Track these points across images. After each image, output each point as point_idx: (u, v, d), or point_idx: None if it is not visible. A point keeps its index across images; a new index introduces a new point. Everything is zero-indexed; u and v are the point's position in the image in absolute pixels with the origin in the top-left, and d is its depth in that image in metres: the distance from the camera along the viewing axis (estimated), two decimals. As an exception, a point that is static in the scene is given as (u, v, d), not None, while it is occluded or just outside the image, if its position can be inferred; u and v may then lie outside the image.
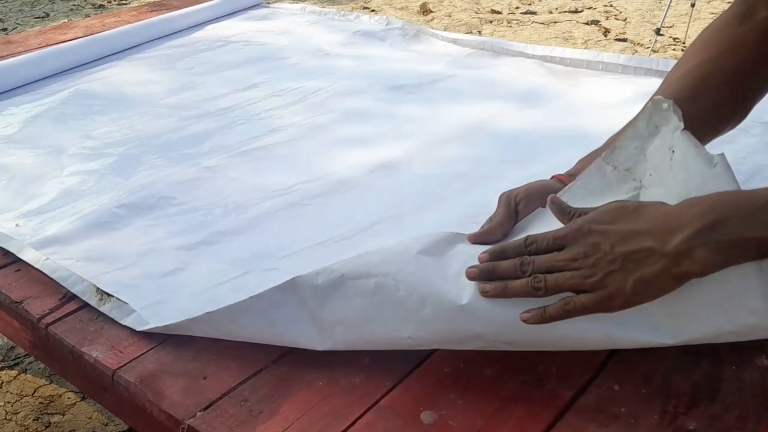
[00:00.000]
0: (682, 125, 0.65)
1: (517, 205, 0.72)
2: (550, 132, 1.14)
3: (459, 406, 0.63)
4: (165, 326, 0.73)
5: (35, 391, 1.56)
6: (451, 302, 0.62)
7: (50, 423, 1.47)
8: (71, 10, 4.47)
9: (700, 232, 0.55)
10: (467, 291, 0.62)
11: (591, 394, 0.64)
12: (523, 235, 0.69)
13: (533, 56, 1.44)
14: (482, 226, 0.71)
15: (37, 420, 1.47)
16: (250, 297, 0.68)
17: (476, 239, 0.69)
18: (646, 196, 0.67)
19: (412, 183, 1.01)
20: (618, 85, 1.28)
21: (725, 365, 0.65)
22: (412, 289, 0.63)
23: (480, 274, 0.62)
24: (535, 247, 0.62)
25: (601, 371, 0.66)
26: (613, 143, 0.72)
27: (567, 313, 0.59)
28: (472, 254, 0.65)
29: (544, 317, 0.60)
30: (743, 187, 0.61)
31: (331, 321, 0.67)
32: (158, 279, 0.83)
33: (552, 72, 1.37)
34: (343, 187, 1.01)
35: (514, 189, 0.74)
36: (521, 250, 0.62)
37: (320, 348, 0.68)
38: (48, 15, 4.35)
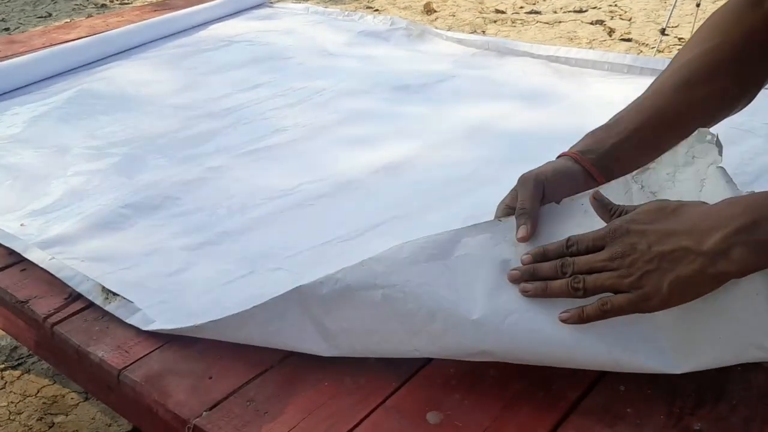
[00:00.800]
0: (720, 160, 0.64)
1: (545, 188, 0.68)
2: (555, 132, 1.13)
3: (465, 407, 0.63)
4: (170, 329, 0.73)
5: (38, 391, 1.56)
6: (461, 316, 0.62)
7: (54, 423, 1.47)
8: (73, 9, 4.47)
9: (738, 231, 0.55)
10: (478, 305, 0.62)
11: (597, 394, 0.64)
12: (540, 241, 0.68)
13: (538, 56, 1.44)
14: (515, 218, 0.66)
15: (41, 420, 1.47)
16: (254, 306, 0.68)
17: (525, 238, 0.65)
18: None
19: (417, 183, 1.01)
20: (624, 85, 1.27)
21: (731, 366, 0.65)
22: (421, 302, 0.63)
23: (522, 276, 0.63)
24: (576, 248, 0.62)
25: (606, 372, 0.65)
26: (644, 166, 0.68)
27: (604, 313, 0.59)
28: (481, 256, 0.65)
29: (581, 317, 0.60)
30: (748, 189, 0.61)
31: (336, 330, 0.67)
32: (163, 279, 0.83)
33: (557, 72, 1.37)
34: (347, 188, 1.01)
35: (536, 170, 0.70)
36: (562, 251, 0.63)
37: (326, 354, 0.68)
38: (50, 15, 4.35)
